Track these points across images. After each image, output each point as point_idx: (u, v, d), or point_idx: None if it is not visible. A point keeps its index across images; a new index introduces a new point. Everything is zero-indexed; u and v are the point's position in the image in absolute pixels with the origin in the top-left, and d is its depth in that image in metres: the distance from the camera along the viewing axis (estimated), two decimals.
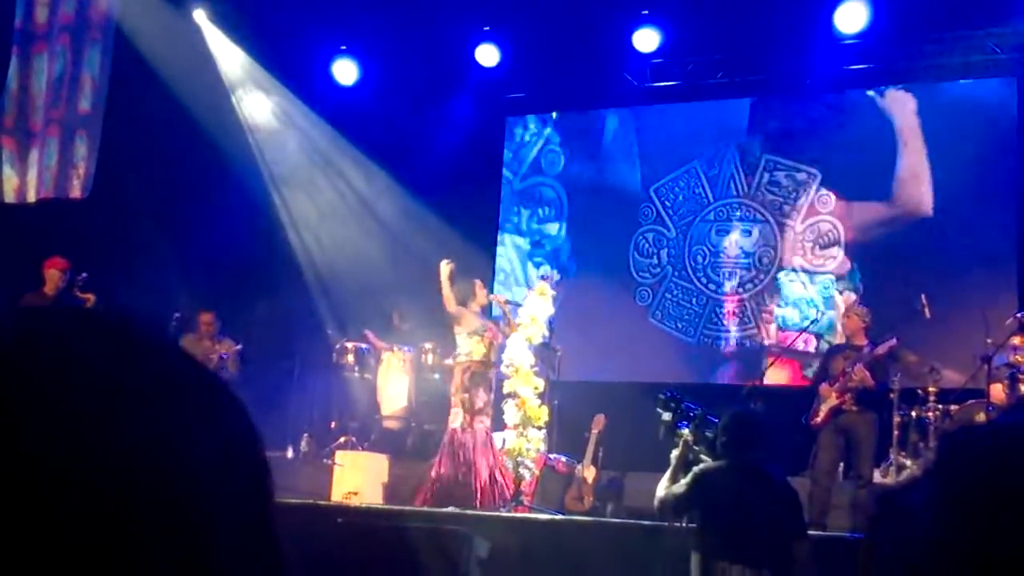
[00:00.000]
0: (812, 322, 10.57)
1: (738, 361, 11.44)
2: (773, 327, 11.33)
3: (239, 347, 10.48)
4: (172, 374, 0.64)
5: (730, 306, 11.55)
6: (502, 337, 9.14)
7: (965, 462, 0.71)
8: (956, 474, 0.71)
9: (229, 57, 12.07)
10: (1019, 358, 8.41)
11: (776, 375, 10.55)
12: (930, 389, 8.91)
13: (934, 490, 0.72)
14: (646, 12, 11.22)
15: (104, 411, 0.59)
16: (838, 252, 11.16)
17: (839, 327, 9.73)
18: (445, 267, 9.14)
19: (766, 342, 11.35)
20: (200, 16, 11.74)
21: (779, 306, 11.33)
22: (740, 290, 11.52)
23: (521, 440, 8.82)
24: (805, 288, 11.25)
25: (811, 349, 10.90)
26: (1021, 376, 8.34)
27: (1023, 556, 0.67)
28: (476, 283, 9.37)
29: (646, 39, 11.29)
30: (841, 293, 11.02)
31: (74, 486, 0.57)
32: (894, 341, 8.55)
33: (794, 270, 11.32)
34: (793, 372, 11.01)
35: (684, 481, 5.05)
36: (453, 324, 9.26)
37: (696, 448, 5.06)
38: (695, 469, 5.02)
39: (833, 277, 11.15)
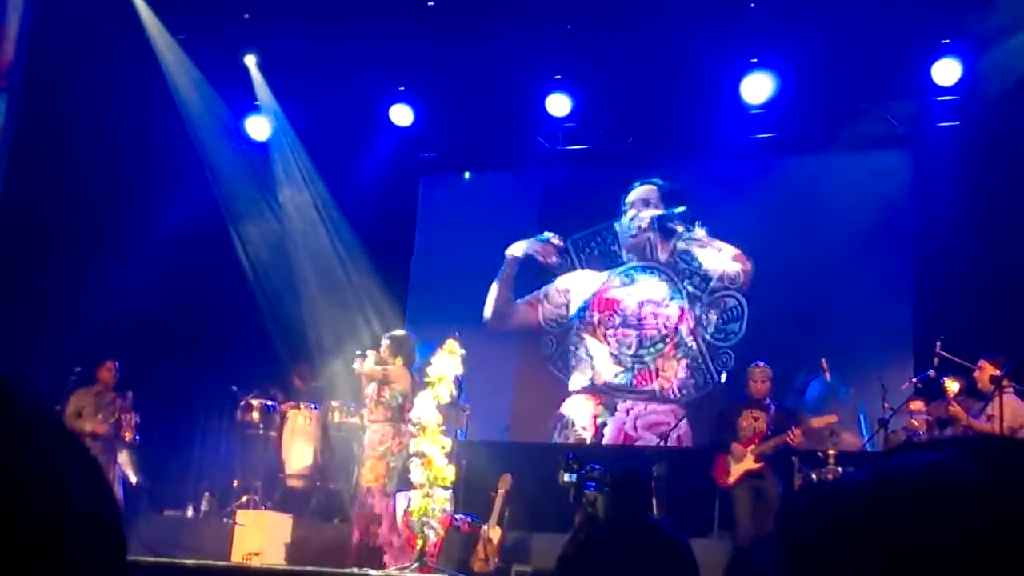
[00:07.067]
0: (715, 384, 10.68)
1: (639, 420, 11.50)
2: (673, 389, 11.42)
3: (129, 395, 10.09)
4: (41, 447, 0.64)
5: (633, 364, 11.61)
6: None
7: (804, 522, 0.72)
8: (795, 534, 0.72)
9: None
10: (915, 422, 8.63)
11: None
12: (829, 452, 9.06)
13: (778, 549, 0.73)
14: (558, 77, 11.41)
15: None
16: (739, 328, 11.31)
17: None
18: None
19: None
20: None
21: (679, 371, 11.42)
22: (643, 351, 11.61)
23: (427, 500, 8.74)
24: (702, 354, 11.36)
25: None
26: (917, 440, 8.54)
27: None
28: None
29: (558, 104, 11.47)
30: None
31: None
32: (833, 417, 8.78)
33: (695, 338, 11.44)
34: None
35: (573, 543, 5.08)
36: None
37: (594, 508, 5.07)
38: (581, 530, 5.03)
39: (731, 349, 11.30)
